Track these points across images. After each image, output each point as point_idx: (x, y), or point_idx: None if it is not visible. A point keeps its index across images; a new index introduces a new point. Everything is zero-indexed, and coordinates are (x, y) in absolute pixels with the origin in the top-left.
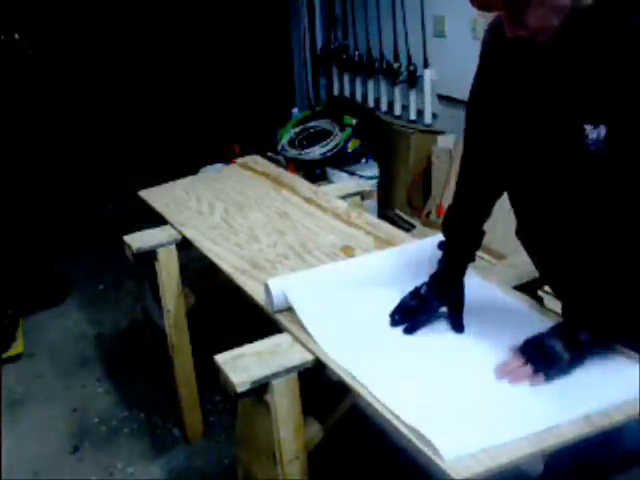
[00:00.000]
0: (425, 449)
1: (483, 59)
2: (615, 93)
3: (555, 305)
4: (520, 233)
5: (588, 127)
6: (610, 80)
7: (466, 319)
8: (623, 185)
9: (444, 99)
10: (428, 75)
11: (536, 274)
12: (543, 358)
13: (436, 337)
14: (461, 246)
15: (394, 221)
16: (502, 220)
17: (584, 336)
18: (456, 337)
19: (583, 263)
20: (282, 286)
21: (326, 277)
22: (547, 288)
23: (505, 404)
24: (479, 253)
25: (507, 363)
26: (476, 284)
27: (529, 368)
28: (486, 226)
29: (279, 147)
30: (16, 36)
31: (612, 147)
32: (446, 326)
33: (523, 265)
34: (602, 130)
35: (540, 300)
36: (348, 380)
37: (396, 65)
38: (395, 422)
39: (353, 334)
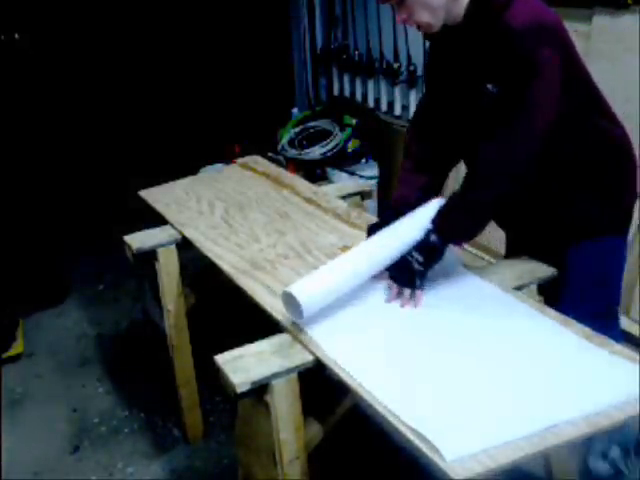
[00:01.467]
0: (426, 449)
1: (430, 43)
2: (498, 66)
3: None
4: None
5: (489, 86)
6: (494, 58)
7: (464, 318)
8: (504, 117)
9: None
10: None
11: (536, 274)
12: (400, 272)
13: (431, 334)
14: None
15: None
16: None
17: (434, 238)
18: (453, 336)
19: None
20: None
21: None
22: None
23: (505, 404)
24: (479, 253)
25: (391, 291)
26: (475, 284)
27: (403, 291)
28: (486, 226)
29: (279, 147)
30: (16, 36)
31: (500, 98)
32: (443, 324)
33: (523, 265)
34: (495, 88)
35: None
36: (348, 380)
37: (396, 65)
38: (395, 423)
39: (350, 329)
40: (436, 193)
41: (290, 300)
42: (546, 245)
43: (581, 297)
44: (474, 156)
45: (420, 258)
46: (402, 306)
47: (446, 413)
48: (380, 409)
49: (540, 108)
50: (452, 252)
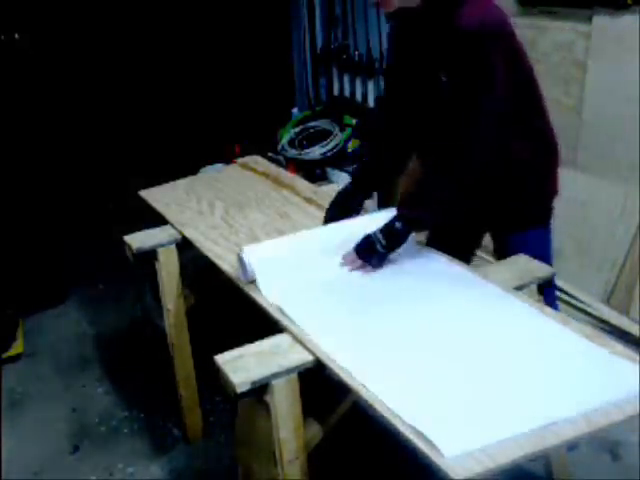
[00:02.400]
0: (424, 447)
1: (392, 33)
2: (450, 57)
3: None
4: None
5: (442, 75)
6: (446, 50)
7: (464, 316)
8: (455, 105)
9: None
10: None
11: (536, 274)
12: (364, 250)
13: (431, 333)
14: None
15: None
16: None
17: (398, 225)
18: (452, 334)
19: (434, 151)
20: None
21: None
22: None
23: (504, 401)
24: (479, 253)
25: (347, 257)
26: (475, 283)
27: (360, 260)
28: None
29: (279, 147)
30: (16, 36)
31: (450, 86)
32: (442, 322)
33: (523, 265)
34: (447, 76)
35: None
36: (347, 379)
37: None
38: (394, 420)
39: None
40: (399, 170)
41: (241, 263)
42: (492, 233)
43: None
44: (428, 144)
45: (384, 242)
46: (350, 270)
47: (445, 410)
48: (379, 407)
49: (487, 113)
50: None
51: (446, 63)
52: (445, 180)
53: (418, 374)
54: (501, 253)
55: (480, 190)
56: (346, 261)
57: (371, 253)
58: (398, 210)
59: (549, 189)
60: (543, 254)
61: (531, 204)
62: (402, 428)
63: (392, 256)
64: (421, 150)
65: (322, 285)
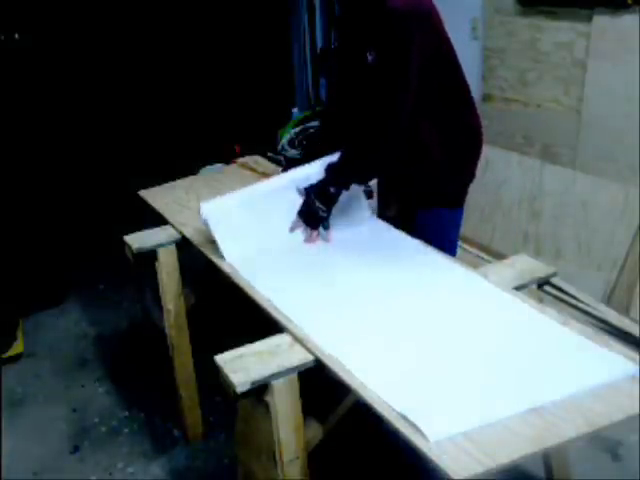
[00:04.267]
0: (409, 432)
1: (338, 19)
2: (376, 37)
3: (554, 306)
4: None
5: (368, 53)
6: (376, 31)
7: (457, 310)
8: (379, 82)
9: None
10: None
11: (536, 274)
12: (307, 216)
13: (423, 325)
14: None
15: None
16: (502, 220)
17: (332, 189)
18: (444, 326)
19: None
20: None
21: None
22: (547, 288)
23: (488, 386)
24: (479, 253)
25: (295, 225)
26: (476, 283)
27: (306, 229)
28: (486, 226)
29: (279, 147)
30: (16, 36)
31: (375, 63)
32: (435, 315)
33: (523, 265)
34: (373, 55)
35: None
36: (347, 379)
37: None
38: (380, 407)
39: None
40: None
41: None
42: (405, 207)
43: None
44: (360, 119)
45: (323, 207)
46: (308, 242)
47: (429, 396)
48: (363, 392)
49: (405, 86)
50: (360, 200)
51: (373, 43)
52: (364, 150)
53: (407, 361)
54: (406, 228)
55: (397, 162)
56: (297, 229)
57: (315, 219)
58: (328, 174)
59: (466, 172)
60: (449, 233)
61: (446, 184)
62: (386, 413)
63: (351, 230)
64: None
65: (280, 248)
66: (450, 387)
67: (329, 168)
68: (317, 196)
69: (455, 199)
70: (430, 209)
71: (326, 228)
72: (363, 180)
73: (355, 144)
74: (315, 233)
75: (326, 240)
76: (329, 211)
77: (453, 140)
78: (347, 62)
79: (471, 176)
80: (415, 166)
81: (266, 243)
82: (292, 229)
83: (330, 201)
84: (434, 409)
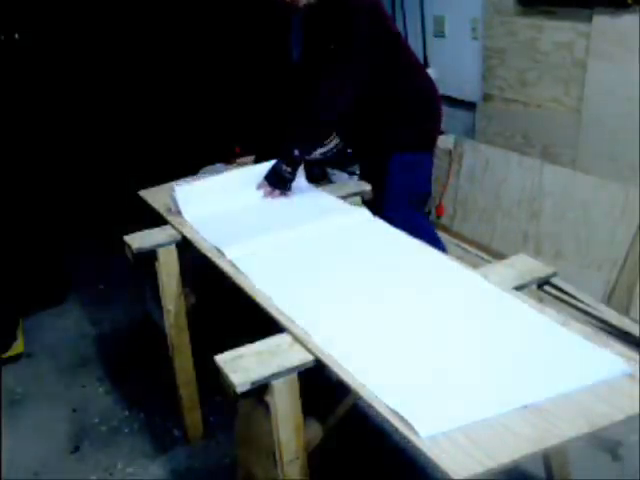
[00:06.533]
0: (402, 427)
1: (299, 24)
2: (335, 32)
3: (554, 306)
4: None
5: (332, 45)
6: (335, 25)
7: (457, 310)
8: (339, 54)
9: (444, 99)
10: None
11: (536, 274)
12: (274, 178)
13: (422, 324)
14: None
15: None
16: (502, 220)
17: (296, 153)
18: (441, 325)
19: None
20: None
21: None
22: (547, 288)
23: (485, 383)
24: (479, 253)
25: (261, 186)
26: (476, 283)
27: (271, 188)
28: (486, 226)
29: None
30: (16, 36)
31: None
32: (435, 315)
33: (523, 265)
34: (335, 45)
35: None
36: (347, 378)
37: None
38: (374, 402)
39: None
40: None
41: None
42: (375, 156)
43: (398, 194)
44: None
45: (289, 169)
46: (270, 197)
47: (421, 391)
48: (367, 395)
49: (360, 53)
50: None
51: (334, 35)
52: (324, 104)
53: (402, 358)
54: (378, 173)
55: (351, 120)
56: (262, 191)
57: (281, 181)
58: (295, 142)
59: (426, 120)
60: (419, 176)
61: (409, 131)
62: (386, 412)
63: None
64: None
65: (243, 211)
66: (446, 385)
67: (292, 133)
68: (283, 158)
69: (418, 143)
70: (399, 154)
71: (289, 189)
72: (319, 138)
73: (314, 107)
74: (277, 192)
75: (285, 195)
76: (294, 173)
77: (408, 98)
78: (314, 61)
79: (434, 122)
80: (378, 119)
81: (227, 205)
82: (258, 187)
83: (295, 163)
84: (427, 405)
